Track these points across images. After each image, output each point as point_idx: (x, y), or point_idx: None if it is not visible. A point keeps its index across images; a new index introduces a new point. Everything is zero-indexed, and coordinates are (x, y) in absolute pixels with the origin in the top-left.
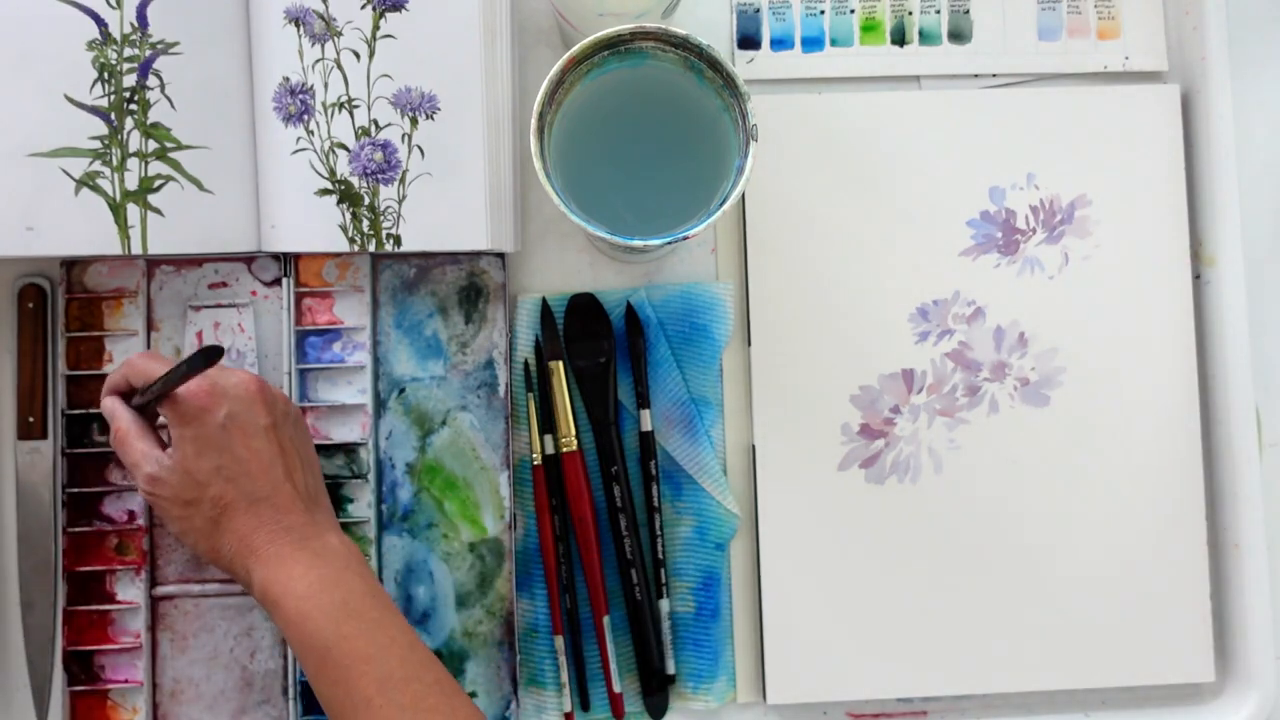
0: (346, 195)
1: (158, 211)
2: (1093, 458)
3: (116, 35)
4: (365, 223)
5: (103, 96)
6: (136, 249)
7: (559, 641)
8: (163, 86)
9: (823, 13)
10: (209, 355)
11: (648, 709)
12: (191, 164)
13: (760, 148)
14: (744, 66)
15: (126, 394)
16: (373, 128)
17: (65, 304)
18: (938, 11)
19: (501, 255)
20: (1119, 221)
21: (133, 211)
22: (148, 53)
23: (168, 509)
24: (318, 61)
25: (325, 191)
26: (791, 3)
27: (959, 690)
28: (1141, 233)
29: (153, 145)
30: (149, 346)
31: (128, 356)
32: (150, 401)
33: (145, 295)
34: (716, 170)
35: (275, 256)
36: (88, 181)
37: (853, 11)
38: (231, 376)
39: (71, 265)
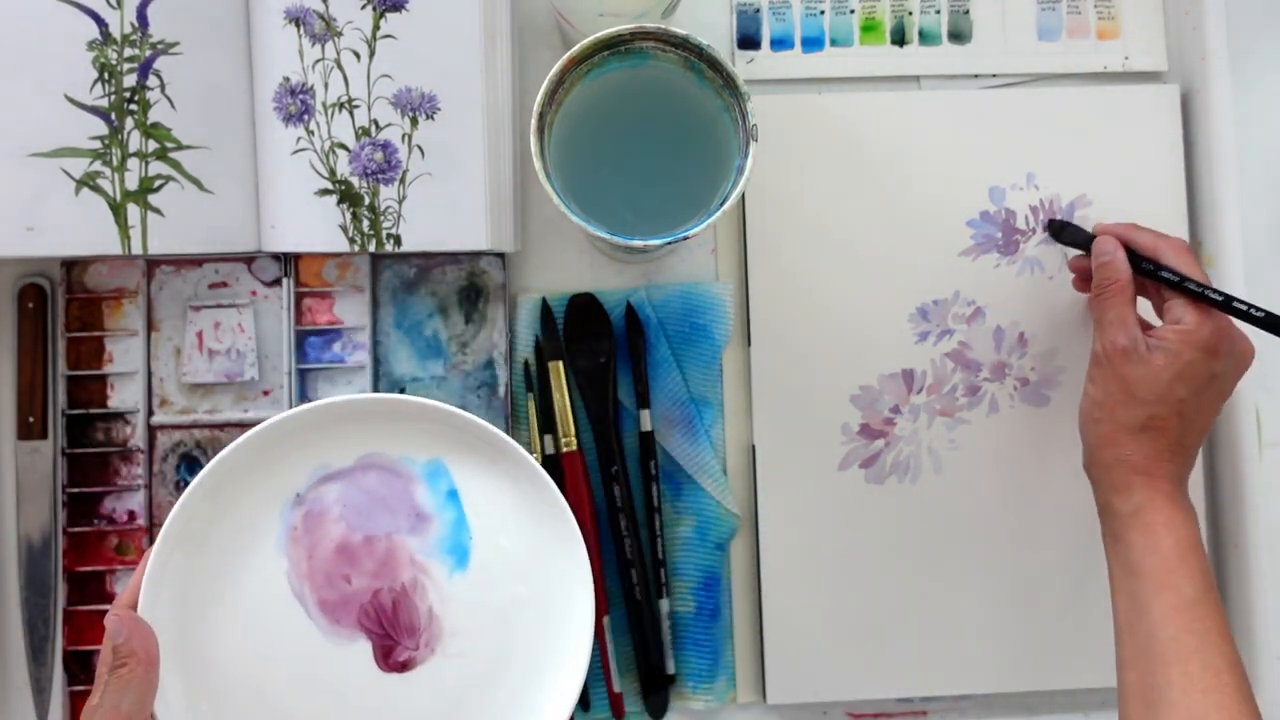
0: (346, 195)
1: (158, 211)
2: None
3: (116, 35)
4: (365, 223)
5: (103, 96)
6: (136, 249)
7: None
8: (163, 86)
9: (823, 13)
10: None
11: (648, 709)
12: (191, 164)
13: (760, 148)
14: (744, 66)
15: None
16: (373, 128)
17: (65, 304)
18: (938, 11)
19: (501, 255)
20: (1119, 221)
21: (133, 211)
22: (148, 53)
23: (1106, 382)
24: (318, 61)
25: (325, 191)
26: (791, 3)
27: (959, 690)
28: None
29: (153, 145)
30: (149, 347)
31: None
32: (1188, 290)
33: (145, 295)
34: (716, 170)
35: (275, 256)
36: (88, 181)
37: (853, 11)
38: (1241, 343)
39: (71, 265)
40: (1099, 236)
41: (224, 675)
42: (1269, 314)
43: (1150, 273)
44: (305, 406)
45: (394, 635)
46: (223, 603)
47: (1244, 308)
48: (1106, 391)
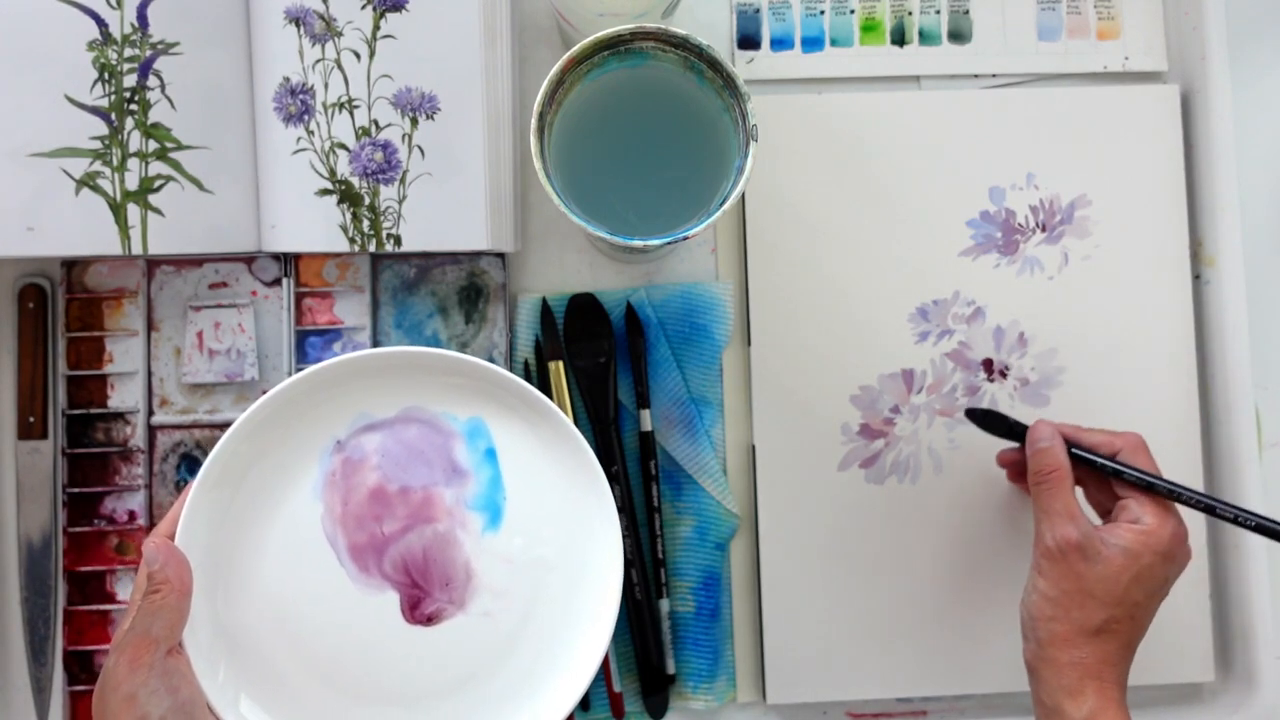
0: (347, 195)
1: (158, 211)
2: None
3: (117, 35)
4: (365, 223)
5: (103, 96)
6: (137, 249)
7: None
8: (163, 86)
9: (823, 13)
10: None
11: (648, 709)
12: (191, 164)
13: (760, 148)
14: (744, 66)
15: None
16: (373, 128)
17: (65, 304)
18: (938, 11)
19: (501, 255)
20: (1119, 221)
21: (133, 211)
22: (148, 53)
23: (1058, 578)
24: (318, 62)
25: (325, 191)
26: (791, 3)
27: (959, 690)
28: (1141, 233)
29: (153, 145)
30: (149, 347)
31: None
32: (1116, 474)
33: (145, 295)
34: (716, 170)
35: (275, 256)
36: (88, 181)
37: (853, 11)
38: (1186, 546)
39: (72, 265)
40: (1036, 422)
41: (253, 612)
42: (1261, 519)
43: (1115, 472)
44: (350, 355)
45: (423, 586)
46: (257, 541)
47: (1231, 514)
48: (1060, 589)
